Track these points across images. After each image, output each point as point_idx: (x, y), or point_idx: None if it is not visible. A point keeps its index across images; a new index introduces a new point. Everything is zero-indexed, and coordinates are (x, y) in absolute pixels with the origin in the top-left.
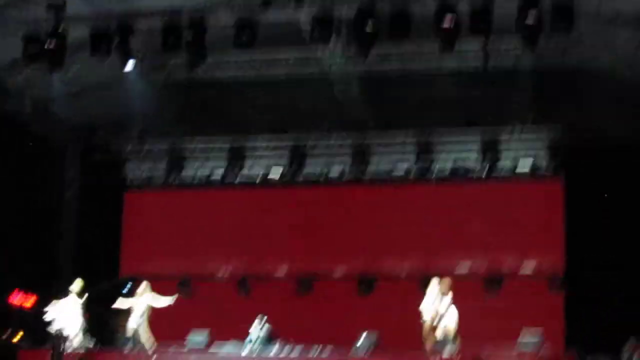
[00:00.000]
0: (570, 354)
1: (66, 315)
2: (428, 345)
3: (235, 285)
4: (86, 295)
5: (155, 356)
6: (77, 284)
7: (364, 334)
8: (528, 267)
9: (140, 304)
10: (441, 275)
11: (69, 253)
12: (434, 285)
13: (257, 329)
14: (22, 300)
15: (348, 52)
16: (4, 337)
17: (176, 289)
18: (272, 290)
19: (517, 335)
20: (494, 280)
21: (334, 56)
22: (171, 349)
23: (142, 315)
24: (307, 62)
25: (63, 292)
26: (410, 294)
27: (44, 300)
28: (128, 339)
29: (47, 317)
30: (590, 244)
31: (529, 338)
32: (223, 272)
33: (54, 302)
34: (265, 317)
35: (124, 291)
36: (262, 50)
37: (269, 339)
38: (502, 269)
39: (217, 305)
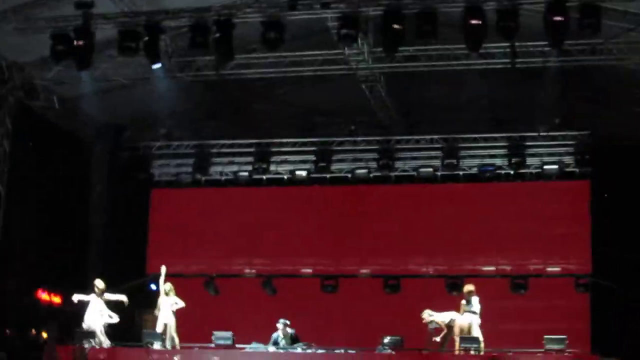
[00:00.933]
0: (595, 356)
1: (90, 313)
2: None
3: (260, 284)
4: (106, 294)
5: (179, 355)
6: (99, 283)
7: (388, 338)
8: (555, 267)
9: (168, 302)
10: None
11: (96, 250)
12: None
13: (280, 333)
14: (49, 297)
15: (375, 52)
16: (33, 333)
17: (201, 287)
18: (297, 289)
19: (543, 335)
20: (520, 280)
21: (360, 55)
22: (196, 347)
23: (171, 313)
24: (334, 62)
25: (89, 290)
26: (436, 293)
27: (70, 298)
28: (157, 336)
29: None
30: (617, 245)
31: (554, 338)
32: (249, 270)
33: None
34: (288, 322)
35: (153, 287)
36: (289, 50)
37: (293, 340)
38: (528, 269)
39: (242, 304)
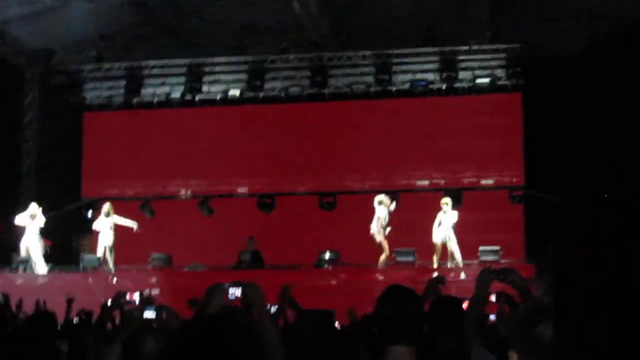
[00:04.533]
0: (529, 265)
1: (26, 239)
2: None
3: (197, 205)
4: (41, 219)
5: (117, 277)
6: (32, 208)
7: (328, 253)
8: (488, 180)
9: (107, 224)
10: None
11: (30, 176)
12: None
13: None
14: None
15: None
16: None
17: (137, 210)
18: (234, 209)
19: (478, 247)
20: (454, 193)
21: None
22: (134, 269)
23: (110, 236)
24: None
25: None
26: (371, 208)
27: (5, 224)
28: (98, 260)
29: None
30: (550, 156)
31: (489, 249)
32: (184, 192)
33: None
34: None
35: (88, 215)
36: None
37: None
38: (462, 182)
39: (179, 225)
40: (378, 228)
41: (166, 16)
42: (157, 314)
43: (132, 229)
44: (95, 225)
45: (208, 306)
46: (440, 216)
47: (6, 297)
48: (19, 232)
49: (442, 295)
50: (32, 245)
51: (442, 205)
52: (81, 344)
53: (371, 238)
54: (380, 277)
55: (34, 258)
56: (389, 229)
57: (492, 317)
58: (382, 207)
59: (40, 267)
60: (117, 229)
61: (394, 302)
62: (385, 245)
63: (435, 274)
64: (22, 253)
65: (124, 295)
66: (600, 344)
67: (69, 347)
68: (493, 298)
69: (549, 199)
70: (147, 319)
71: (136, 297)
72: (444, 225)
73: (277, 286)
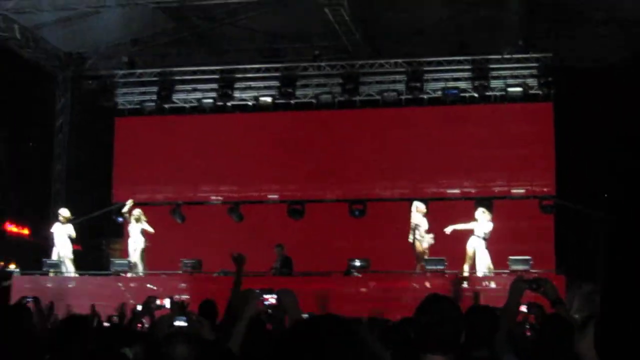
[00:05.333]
0: (559, 276)
1: (57, 242)
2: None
3: (227, 211)
4: (70, 224)
5: (148, 282)
6: (64, 213)
7: (357, 261)
8: (519, 189)
9: (137, 229)
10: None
11: (61, 180)
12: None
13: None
14: (17, 228)
15: None
16: (1, 264)
17: (168, 215)
18: (264, 215)
19: (508, 256)
20: (485, 202)
21: None
22: (164, 274)
23: (141, 240)
24: None
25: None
26: (401, 216)
27: (37, 228)
28: (128, 264)
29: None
30: (581, 166)
31: (519, 259)
32: (215, 197)
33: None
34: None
35: (119, 219)
36: None
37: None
38: (493, 191)
39: (209, 231)
40: (418, 236)
41: (198, 22)
42: (188, 323)
43: (153, 234)
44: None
45: (243, 312)
46: (473, 225)
47: (37, 300)
48: (50, 237)
49: (476, 304)
50: (63, 250)
51: (477, 215)
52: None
53: (403, 246)
54: (414, 285)
55: (66, 262)
56: (430, 235)
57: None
58: (418, 214)
59: (71, 271)
60: (148, 234)
61: (434, 311)
62: (423, 253)
63: (461, 275)
64: (54, 257)
65: (154, 300)
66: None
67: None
68: (524, 308)
69: (579, 210)
70: (177, 326)
71: (166, 302)
72: (476, 235)
73: (307, 293)
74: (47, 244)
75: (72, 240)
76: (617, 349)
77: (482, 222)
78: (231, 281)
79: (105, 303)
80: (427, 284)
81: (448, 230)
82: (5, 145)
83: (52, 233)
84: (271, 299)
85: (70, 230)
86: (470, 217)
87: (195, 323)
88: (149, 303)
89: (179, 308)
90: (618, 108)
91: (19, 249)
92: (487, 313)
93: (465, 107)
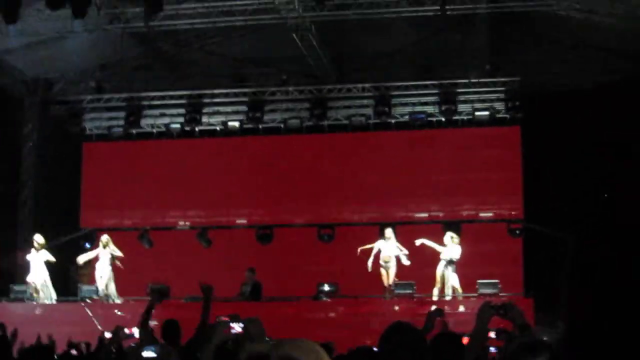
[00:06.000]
0: (528, 299)
1: (32, 268)
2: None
3: (195, 236)
4: (45, 250)
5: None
6: (38, 239)
7: (326, 285)
8: (487, 213)
9: (105, 255)
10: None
11: (29, 206)
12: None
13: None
14: None
15: (305, 0)
16: None
17: (136, 240)
18: (232, 240)
19: (476, 280)
20: (453, 226)
21: (291, 4)
22: (131, 300)
23: (109, 267)
24: (264, 11)
25: (25, 246)
26: (369, 240)
27: (3, 254)
28: (96, 290)
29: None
30: (548, 190)
31: (487, 282)
32: (183, 222)
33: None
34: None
35: (87, 245)
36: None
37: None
38: (461, 215)
39: (177, 256)
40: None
41: (166, 47)
42: (157, 354)
43: (124, 259)
44: (94, 255)
45: (210, 339)
46: (442, 249)
47: (2, 326)
48: (21, 263)
49: (443, 331)
50: (39, 277)
51: (445, 239)
52: None
53: (369, 270)
54: (381, 309)
55: (45, 290)
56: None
57: (492, 349)
58: (456, 246)
59: (53, 296)
60: (118, 257)
61: (395, 340)
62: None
63: (433, 307)
64: (31, 282)
65: (123, 329)
66: None
67: None
68: (493, 334)
69: (547, 233)
70: (146, 358)
71: (135, 331)
72: (444, 259)
73: (276, 319)
74: (14, 270)
75: (52, 265)
76: None
77: (451, 247)
78: (199, 307)
79: (73, 330)
80: (396, 308)
81: (418, 242)
82: None
83: (27, 261)
84: (237, 327)
85: (47, 255)
86: (439, 241)
87: (164, 354)
88: (117, 332)
89: (148, 335)
90: (585, 132)
91: None
92: (453, 339)
93: (432, 131)
